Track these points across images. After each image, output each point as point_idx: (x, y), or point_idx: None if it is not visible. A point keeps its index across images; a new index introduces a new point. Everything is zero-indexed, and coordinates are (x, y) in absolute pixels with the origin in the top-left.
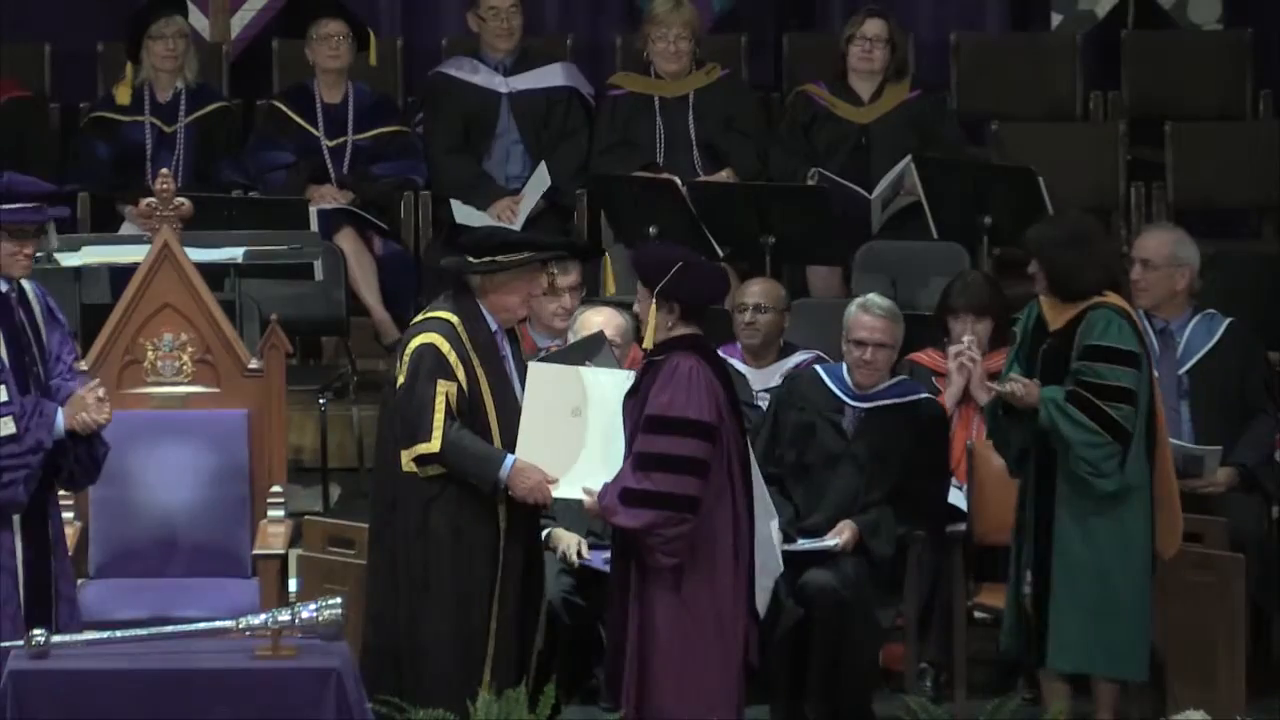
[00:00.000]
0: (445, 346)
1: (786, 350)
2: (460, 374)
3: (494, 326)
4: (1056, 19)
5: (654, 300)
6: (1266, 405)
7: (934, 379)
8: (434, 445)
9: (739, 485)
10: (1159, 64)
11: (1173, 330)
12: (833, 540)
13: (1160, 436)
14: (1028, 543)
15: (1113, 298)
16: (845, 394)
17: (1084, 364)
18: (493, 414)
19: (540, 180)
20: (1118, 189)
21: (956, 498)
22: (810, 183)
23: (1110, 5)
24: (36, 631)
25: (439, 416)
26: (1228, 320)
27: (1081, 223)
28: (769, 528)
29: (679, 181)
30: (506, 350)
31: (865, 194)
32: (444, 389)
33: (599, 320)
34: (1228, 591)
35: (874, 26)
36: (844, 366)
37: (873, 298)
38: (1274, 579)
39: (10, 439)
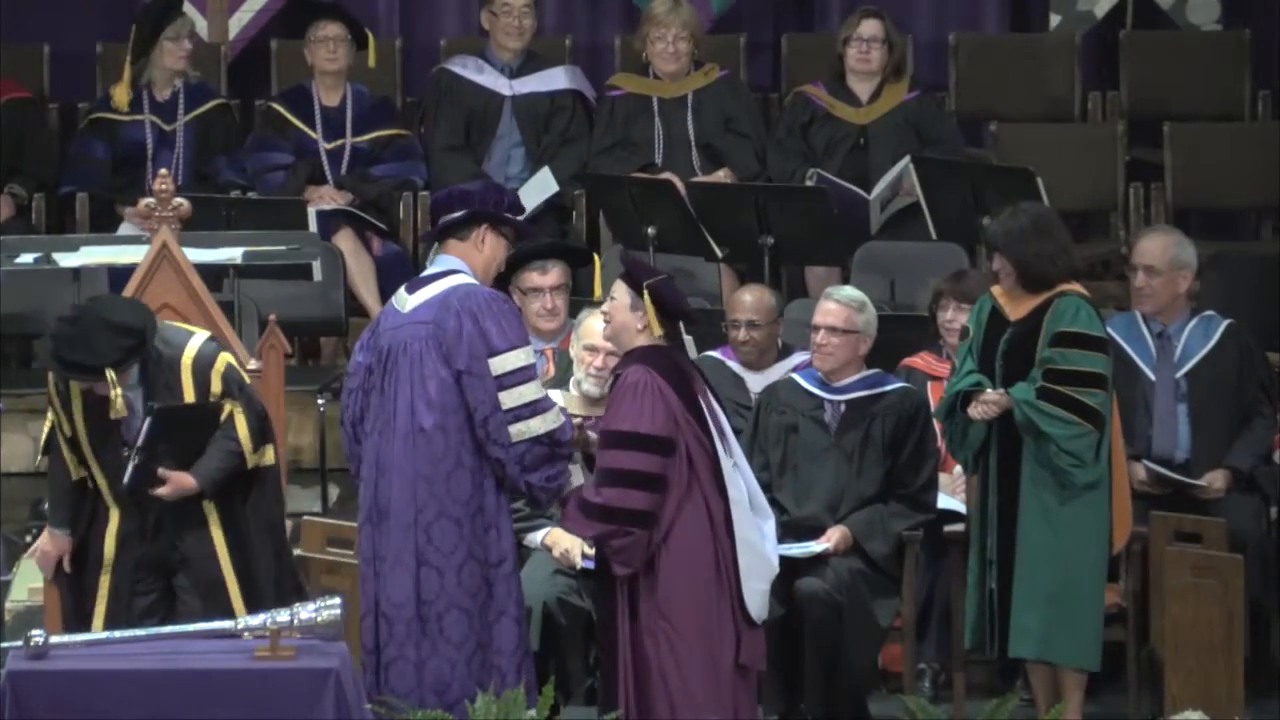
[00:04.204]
0: (50, 384)
1: (785, 351)
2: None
3: None
4: (1055, 19)
5: (642, 294)
6: (1264, 408)
7: (929, 384)
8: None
9: (710, 490)
10: (1158, 65)
11: (1170, 334)
12: (821, 545)
13: (1114, 425)
14: (990, 536)
15: (1076, 286)
16: (821, 390)
17: (1055, 351)
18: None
19: (545, 185)
20: (1116, 190)
21: (951, 502)
22: (809, 183)
23: (1109, 6)
24: (35, 632)
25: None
26: (1226, 322)
27: (1042, 212)
28: (761, 530)
29: (678, 182)
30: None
31: (864, 194)
32: None
33: (600, 326)
34: (1227, 592)
35: (870, 27)
36: None
37: (839, 287)
38: (1273, 579)
39: (562, 430)
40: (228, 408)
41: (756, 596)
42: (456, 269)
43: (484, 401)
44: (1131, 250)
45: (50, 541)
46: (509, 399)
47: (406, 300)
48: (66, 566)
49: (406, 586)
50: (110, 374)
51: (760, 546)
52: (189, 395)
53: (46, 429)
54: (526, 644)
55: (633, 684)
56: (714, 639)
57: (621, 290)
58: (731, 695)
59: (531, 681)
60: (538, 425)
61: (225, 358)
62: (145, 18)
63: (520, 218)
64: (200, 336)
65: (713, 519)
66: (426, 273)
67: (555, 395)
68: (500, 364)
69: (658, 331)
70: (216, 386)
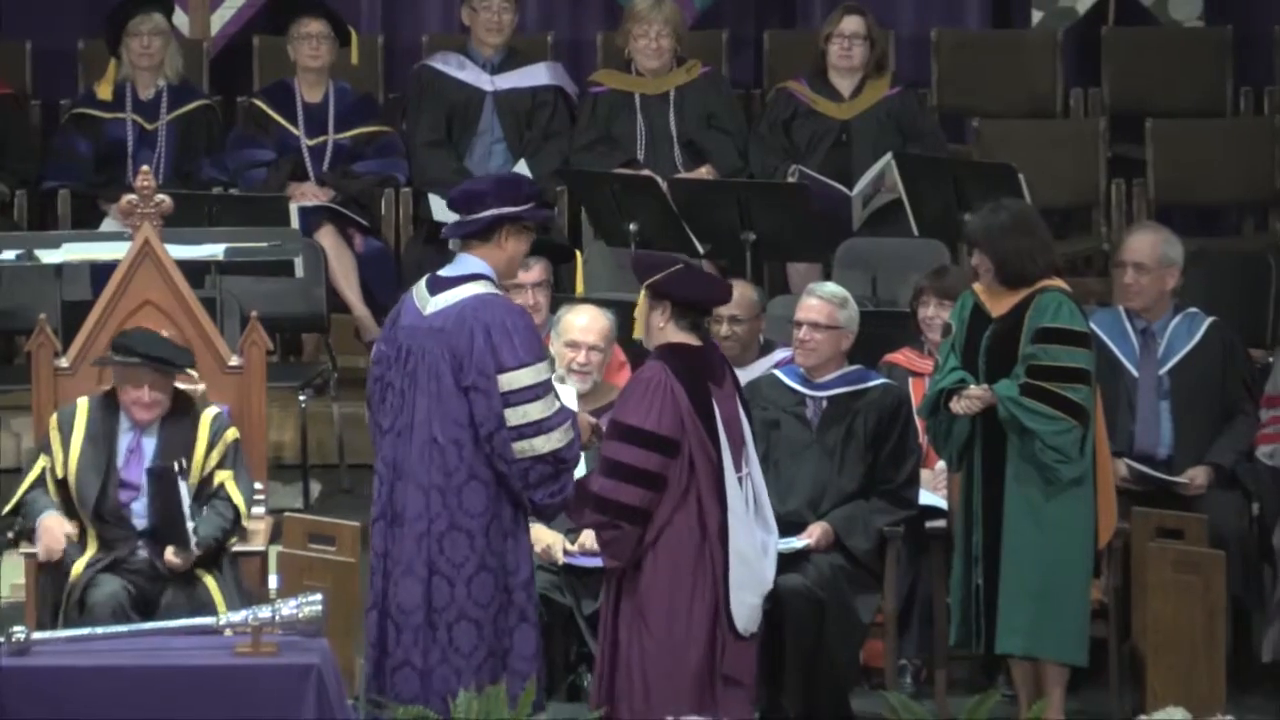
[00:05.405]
0: (53, 422)
1: (767, 348)
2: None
3: (126, 423)
4: (1037, 15)
5: (646, 295)
6: (1246, 405)
7: (910, 380)
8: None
9: (708, 498)
10: (1139, 61)
11: (1154, 330)
12: (802, 541)
13: (1098, 421)
14: (976, 533)
15: (1058, 281)
16: (803, 386)
17: (1038, 347)
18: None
19: None
20: (1098, 186)
21: (932, 498)
22: (791, 179)
23: (1091, 2)
24: (17, 628)
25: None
26: (1209, 319)
27: (1022, 208)
28: (762, 544)
29: (659, 179)
30: (137, 444)
31: (846, 191)
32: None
33: (582, 321)
34: (1208, 588)
35: (852, 23)
36: None
37: (821, 283)
38: (1254, 576)
39: (568, 447)
40: (219, 477)
41: (744, 609)
42: (479, 273)
43: (489, 418)
44: (1120, 247)
45: (48, 521)
46: (514, 416)
47: (428, 301)
48: (73, 533)
49: (416, 594)
50: (192, 372)
51: (754, 560)
52: (200, 445)
53: (33, 477)
54: (542, 648)
55: (606, 675)
56: (684, 646)
57: (642, 291)
58: (700, 703)
59: (543, 685)
60: (541, 444)
61: (235, 431)
62: (112, 14)
63: (537, 205)
64: (218, 407)
65: (705, 526)
66: (448, 272)
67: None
68: (509, 381)
69: (659, 333)
70: (220, 450)
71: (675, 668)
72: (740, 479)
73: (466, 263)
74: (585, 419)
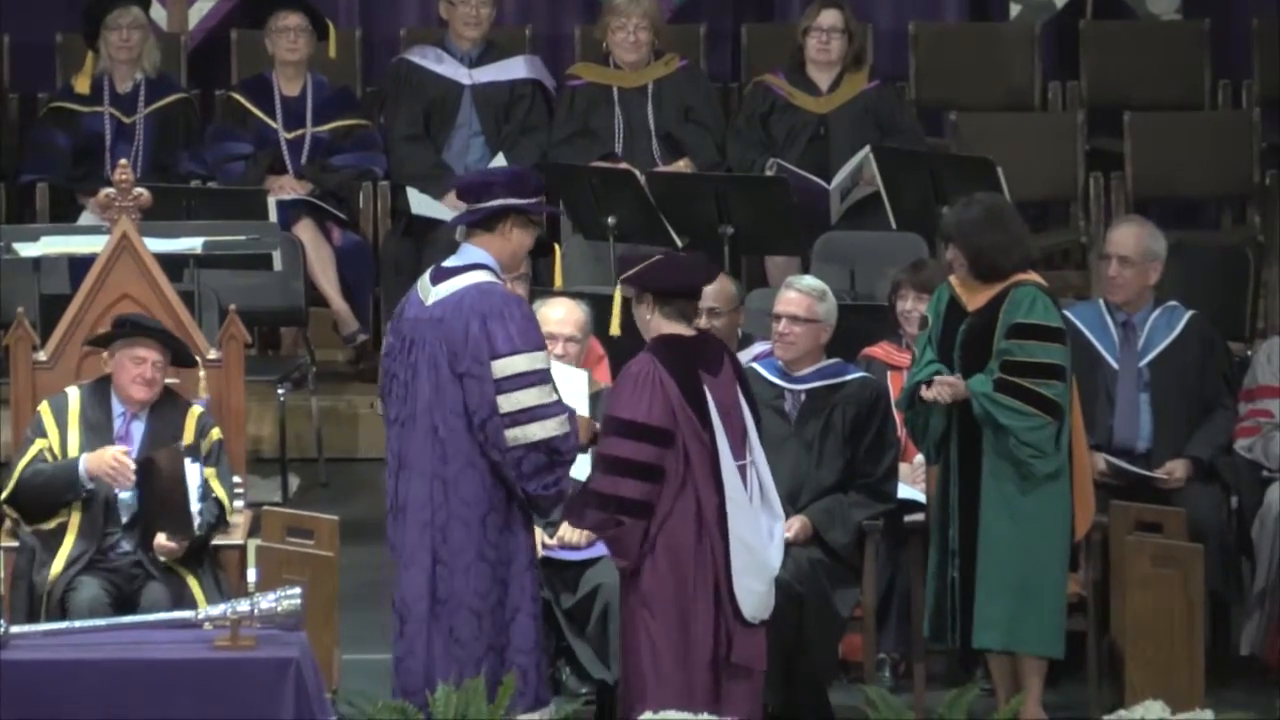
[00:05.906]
0: (44, 408)
1: (745, 341)
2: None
3: (118, 409)
4: (1015, 9)
5: (631, 293)
6: (1225, 398)
7: (889, 373)
8: None
9: (704, 487)
10: (1118, 54)
11: (1135, 323)
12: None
13: (1075, 414)
14: (952, 526)
15: (1033, 275)
16: (782, 379)
17: (1013, 342)
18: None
19: None
20: (1076, 179)
21: (911, 492)
22: (769, 173)
23: None
24: None
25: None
26: (1189, 313)
27: (996, 202)
28: (767, 530)
29: (637, 172)
30: (126, 431)
31: (824, 184)
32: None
33: (558, 314)
34: (1187, 582)
35: (830, 17)
36: None
37: (799, 277)
38: (1233, 569)
39: (564, 438)
40: (203, 473)
41: (750, 596)
42: (480, 263)
43: (482, 405)
44: (1104, 240)
45: (91, 459)
46: (506, 404)
47: (430, 291)
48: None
49: (420, 584)
50: (198, 356)
51: (758, 546)
52: (189, 437)
53: (30, 455)
54: (543, 640)
55: (621, 665)
56: (689, 635)
57: (618, 289)
58: (708, 691)
59: (544, 678)
60: (535, 431)
61: (219, 431)
62: (90, 7)
63: (542, 199)
64: (200, 405)
65: (703, 516)
66: (451, 262)
67: None
68: (502, 367)
69: (649, 327)
70: (206, 446)
71: (684, 658)
72: (743, 467)
73: (469, 253)
74: (585, 419)
